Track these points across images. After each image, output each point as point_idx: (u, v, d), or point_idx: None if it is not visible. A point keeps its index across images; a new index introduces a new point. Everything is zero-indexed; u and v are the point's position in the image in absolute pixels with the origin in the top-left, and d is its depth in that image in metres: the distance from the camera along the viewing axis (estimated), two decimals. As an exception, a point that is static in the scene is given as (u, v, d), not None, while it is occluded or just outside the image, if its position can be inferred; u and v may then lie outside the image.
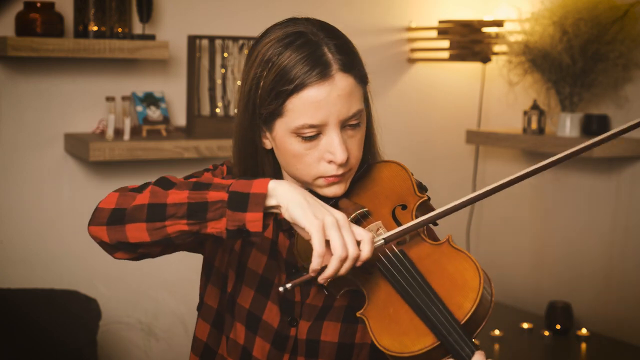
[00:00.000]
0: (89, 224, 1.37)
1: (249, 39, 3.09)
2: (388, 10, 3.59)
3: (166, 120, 3.04)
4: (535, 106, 3.34)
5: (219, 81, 3.10)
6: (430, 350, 1.23)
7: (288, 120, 1.35)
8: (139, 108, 3.00)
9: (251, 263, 1.48)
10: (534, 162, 3.74)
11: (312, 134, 1.35)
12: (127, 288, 3.13)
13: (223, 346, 1.49)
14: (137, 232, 1.31)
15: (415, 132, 3.70)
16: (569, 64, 3.15)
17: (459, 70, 3.76)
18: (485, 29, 3.50)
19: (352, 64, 1.37)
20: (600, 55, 3.12)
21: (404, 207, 1.40)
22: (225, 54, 3.09)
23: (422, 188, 1.44)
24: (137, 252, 1.36)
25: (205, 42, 3.07)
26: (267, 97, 1.36)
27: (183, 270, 3.18)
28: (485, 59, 3.50)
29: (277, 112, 1.36)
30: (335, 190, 1.40)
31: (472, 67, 3.72)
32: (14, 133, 2.94)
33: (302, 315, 1.45)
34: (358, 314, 1.31)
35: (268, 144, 1.43)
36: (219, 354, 1.50)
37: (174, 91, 3.16)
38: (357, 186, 1.45)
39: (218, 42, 3.08)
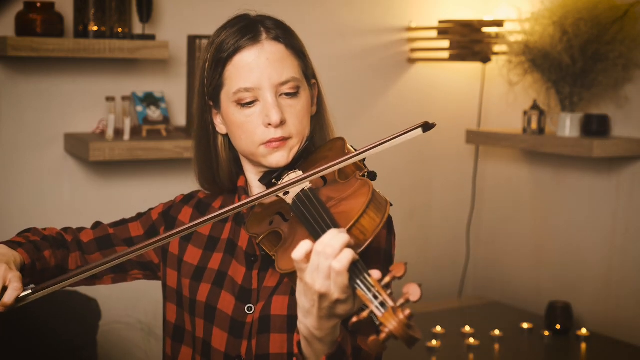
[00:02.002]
0: None
1: (249, 39, 3.09)
2: (388, 10, 3.59)
3: (166, 120, 3.04)
4: (535, 106, 3.34)
5: (219, 81, 3.10)
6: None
7: (228, 88, 1.46)
8: (139, 108, 3.00)
9: (212, 264, 1.55)
10: (534, 162, 3.76)
11: (249, 100, 1.44)
12: (127, 288, 3.12)
13: (182, 354, 1.55)
14: None
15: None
16: (569, 64, 3.15)
17: (459, 70, 3.76)
18: (485, 29, 3.50)
19: (284, 36, 1.48)
20: (600, 55, 3.12)
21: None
22: (225, 54, 3.09)
23: (355, 150, 1.46)
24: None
25: (205, 42, 3.07)
26: (210, 72, 1.48)
27: (183, 270, 3.18)
28: (485, 59, 3.50)
29: (219, 84, 1.47)
30: (278, 158, 1.46)
31: (472, 67, 3.72)
32: (14, 133, 2.94)
33: (259, 299, 1.48)
34: (270, 254, 1.36)
35: (223, 129, 1.52)
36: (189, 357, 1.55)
37: (174, 91, 3.16)
38: (303, 163, 1.51)
39: (218, 42, 3.08)
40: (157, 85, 3.13)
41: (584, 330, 3.12)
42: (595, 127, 3.20)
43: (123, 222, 1.67)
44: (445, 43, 3.60)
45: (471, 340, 3.00)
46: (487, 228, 3.81)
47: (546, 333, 3.14)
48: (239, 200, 1.54)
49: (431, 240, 3.82)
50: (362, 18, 3.52)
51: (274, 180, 1.48)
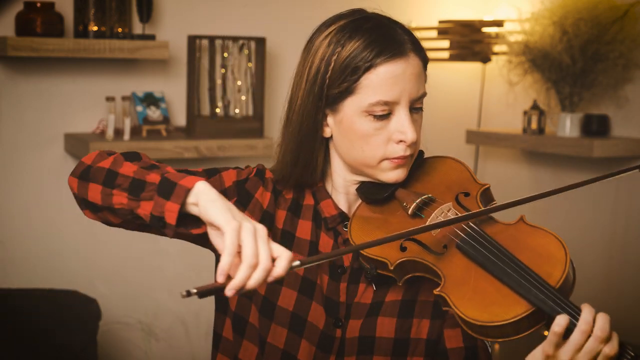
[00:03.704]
0: (70, 175, 1.39)
1: (249, 39, 3.09)
2: (388, 10, 3.56)
3: (166, 120, 3.04)
4: (535, 106, 3.34)
5: (219, 81, 3.10)
6: (524, 317, 1.19)
7: (361, 97, 1.35)
8: (139, 108, 3.00)
9: None
10: (534, 162, 3.76)
11: (383, 113, 1.35)
12: (127, 288, 3.13)
13: (245, 351, 1.44)
14: (94, 192, 1.34)
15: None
16: (569, 64, 3.15)
17: (459, 70, 3.76)
18: (485, 29, 3.50)
19: (420, 46, 1.42)
20: (600, 55, 3.12)
21: (466, 194, 1.40)
22: (225, 54, 3.09)
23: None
24: (97, 214, 1.37)
25: (205, 42, 3.07)
26: (340, 75, 1.35)
27: (183, 270, 3.18)
28: (485, 59, 3.50)
29: (349, 90, 1.35)
30: (398, 174, 1.39)
31: (472, 67, 3.72)
32: (14, 133, 2.94)
33: (350, 315, 1.41)
34: (435, 292, 1.26)
35: (328, 132, 1.41)
36: (239, 358, 1.45)
37: (174, 91, 3.16)
38: (412, 179, 1.43)
39: (218, 42, 3.08)
40: (157, 85, 3.13)
41: (584, 330, 3.12)
42: (595, 127, 3.20)
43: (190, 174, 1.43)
44: (445, 43, 3.60)
45: (471, 340, 3.00)
46: (487, 228, 3.81)
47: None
48: (316, 200, 1.45)
49: (431, 240, 3.82)
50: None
51: (406, 205, 1.38)
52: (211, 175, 1.53)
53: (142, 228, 1.41)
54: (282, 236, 1.45)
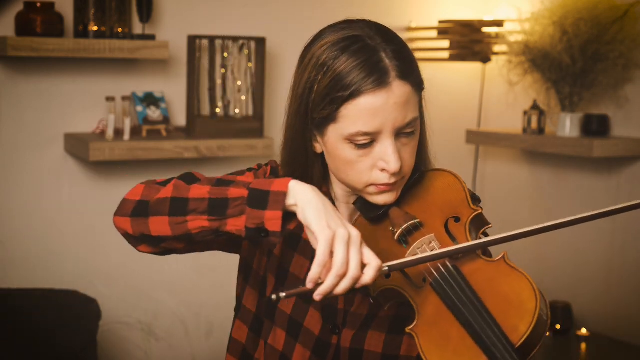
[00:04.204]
0: (115, 215, 1.35)
1: (249, 39, 3.09)
2: (388, 10, 3.59)
3: (166, 120, 3.04)
4: (535, 106, 3.34)
5: (219, 81, 3.10)
6: None
7: (342, 126, 1.31)
8: (139, 108, 3.00)
9: (293, 268, 1.45)
10: (534, 162, 3.76)
11: (365, 142, 1.31)
12: (127, 288, 3.13)
13: (260, 351, 1.46)
14: (159, 225, 1.29)
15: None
16: (569, 64, 3.15)
17: (459, 70, 3.76)
18: (485, 29, 3.49)
19: (410, 70, 1.34)
20: (600, 55, 3.12)
21: (457, 219, 1.36)
22: (225, 54, 3.08)
23: (476, 199, 1.40)
24: (159, 246, 1.34)
25: (205, 42, 3.07)
26: (320, 102, 1.32)
27: (183, 270, 3.18)
28: (485, 59, 3.50)
29: (330, 118, 1.32)
30: (386, 198, 1.36)
31: (472, 67, 3.72)
32: (14, 133, 2.94)
33: (346, 324, 1.41)
34: (407, 330, 1.27)
35: (318, 148, 1.39)
36: (255, 357, 1.47)
37: (174, 91, 3.16)
38: (409, 195, 1.41)
39: (218, 42, 3.08)
40: (157, 85, 3.13)
41: (584, 330, 3.12)
42: (595, 127, 3.20)
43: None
44: (445, 43, 3.60)
45: (471, 340, 3.00)
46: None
47: (546, 333, 3.14)
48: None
49: (431, 240, 3.82)
50: (362, 18, 3.51)
51: (392, 229, 1.37)
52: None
53: (207, 247, 1.42)
54: (289, 237, 1.45)
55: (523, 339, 1.17)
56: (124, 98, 2.98)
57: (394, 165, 1.31)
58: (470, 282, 1.26)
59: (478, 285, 1.25)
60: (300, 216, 1.22)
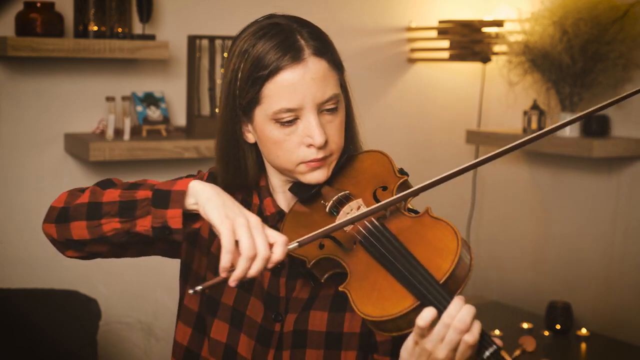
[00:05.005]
0: (43, 222, 1.44)
1: (249, 39, 3.09)
2: (388, 10, 3.59)
3: (166, 120, 3.04)
4: (535, 106, 3.34)
5: (219, 81, 3.10)
6: (410, 311, 1.23)
7: (266, 106, 1.38)
8: (139, 108, 3.00)
9: None
10: (533, 162, 3.75)
11: (289, 119, 1.38)
12: (127, 288, 3.13)
13: (205, 348, 1.50)
14: (79, 229, 1.38)
15: (415, 132, 3.70)
16: (569, 64, 3.15)
17: (459, 70, 3.76)
18: (485, 29, 3.50)
19: (325, 49, 1.42)
20: (600, 55, 3.12)
21: (384, 188, 1.43)
22: (225, 54, 3.09)
23: (403, 172, 1.47)
24: (84, 250, 1.42)
25: (205, 42, 3.07)
26: (245, 87, 1.39)
27: (183, 270, 3.18)
28: (485, 59, 3.50)
29: (255, 100, 1.39)
30: (318, 176, 1.42)
31: (472, 67, 3.72)
32: (14, 133, 2.94)
33: (289, 310, 1.45)
34: (340, 288, 1.31)
35: (251, 138, 1.46)
36: (201, 356, 1.51)
37: (174, 91, 3.16)
38: (339, 175, 1.48)
39: (218, 42, 3.08)
40: (157, 85, 3.13)
41: (584, 330, 3.12)
42: (595, 127, 3.20)
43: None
44: (445, 43, 3.60)
45: (471, 340, 3.00)
46: (487, 228, 3.81)
47: (546, 333, 3.14)
48: (260, 199, 1.50)
49: (431, 240, 3.82)
50: (362, 18, 3.52)
51: (324, 202, 1.43)
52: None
53: (139, 251, 1.50)
54: None
55: (447, 275, 1.23)
56: (124, 98, 2.98)
57: (318, 138, 1.37)
58: (396, 235, 1.33)
59: (403, 236, 1.32)
60: (202, 214, 1.29)
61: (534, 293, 3.57)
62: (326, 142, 1.40)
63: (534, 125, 3.32)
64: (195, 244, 1.54)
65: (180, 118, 3.19)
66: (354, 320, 1.43)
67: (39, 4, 2.80)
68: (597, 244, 3.34)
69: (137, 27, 3.03)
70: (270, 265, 1.25)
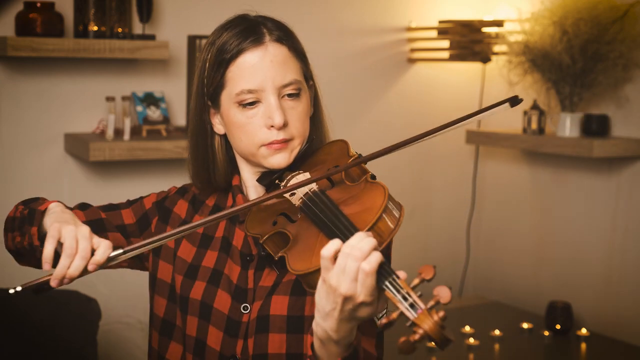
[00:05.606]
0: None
1: (249, 39, 3.09)
2: (388, 10, 3.59)
3: (166, 120, 3.04)
4: (535, 106, 3.34)
5: (219, 81, 3.10)
6: None
7: (229, 89, 1.46)
8: (139, 108, 3.00)
9: (206, 261, 1.55)
10: (533, 162, 3.76)
11: (251, 100, 1.45)
12: (127, 288, 3.13)
13: (171, 351, 1.55)
14: (10, 240, 1.51)
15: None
16: (569, 64, 3.15)
17: (459, 70, 3.76)
18: (485, 29, 3.50)
19: (286, 37, 1.49)
20: (600, 55, 3.12)
21: (336, 166, 1.47)
22: (225, 54, 3.09)
23: (359, 155, 1.50)
24: (22, 261, 1.54)
25: (204, 42, 3.07)
26: (211, 73, 1.47)
27: (183, 270, 3.18)
28: (485, 59, 3.50)
29: (220, 85, 1.47)
30: (279, 159, 1.47)
31: (472, 67, 3.72)
32: (14, 133, 2.94)
33: (255, 299, 1.48)
34: (280, 253, 1.35)
35: (221, 129, 1.52)
36: (166, 358, 1.56)
37: (174, 91, 3.16)
38: (302, 163, 1.52)
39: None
40: (157, 85, 3.13)
41: (584, 330, 3.12)
42: (595, 127, 3.20)
43: (114, 208, 1.64)
44: (445, 43, 3.60)
45: (471, 340, 3.00)
46: (487, 228, 3.81)
47: (546, 333, 3.14)
48: (234, 199, 1.55)
49: (431, 240, 3.82)
50: (362, 18, 3.52)
51: (277, 182, 1.49)
52: (133, 203, 1.65)
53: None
54: (201, 239, 1.56)
55: (369, 225, 1.28)
56: (124, 98, 2.98)
57: (277, 118, 1.43)
58: (334, 200, 1.38)
59: (340, 201, 1.38)
60: (45, 227, 1.39)
61: (534, 293, 3.57)
62: (287, 126, 1.45)
63: (534, 125, 3.32)
64: (159, 254, 1.60)
65: (180, 118, 3.19)
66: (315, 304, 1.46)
67: (39, 4, 2.80)
68: (597, 244, 3.34)
69: (137, 27, 3.03)
70: (92, 267, 1.32)
